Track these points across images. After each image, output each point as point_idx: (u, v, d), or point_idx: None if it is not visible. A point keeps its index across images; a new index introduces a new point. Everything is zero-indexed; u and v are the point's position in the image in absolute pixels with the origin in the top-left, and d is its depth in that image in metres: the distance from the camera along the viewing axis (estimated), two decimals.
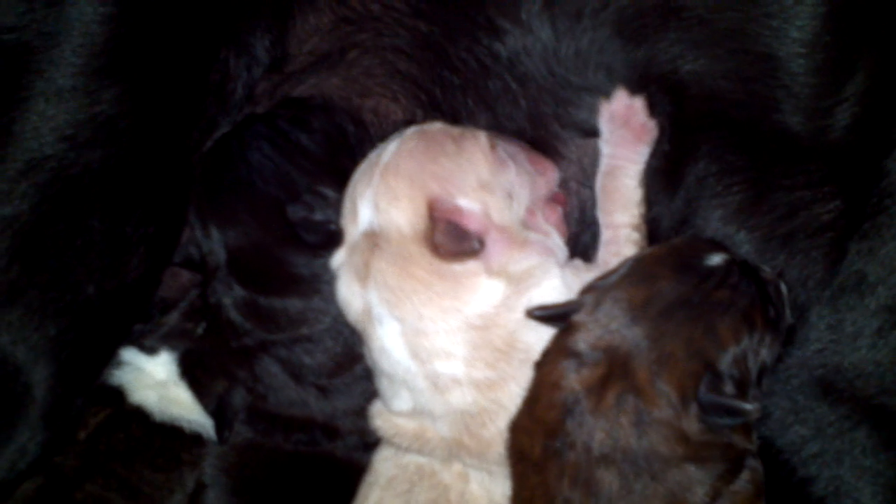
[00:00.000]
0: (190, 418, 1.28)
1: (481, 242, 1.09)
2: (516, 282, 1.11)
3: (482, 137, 1.16)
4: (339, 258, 1.15)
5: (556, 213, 1.22)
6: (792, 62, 1.18)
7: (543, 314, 1.07)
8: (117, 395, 1.27)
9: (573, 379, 1.01)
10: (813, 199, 1.18)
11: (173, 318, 1.31)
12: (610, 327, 1.02)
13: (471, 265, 1.09)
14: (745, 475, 1.03)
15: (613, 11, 1.21)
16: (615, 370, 1.00)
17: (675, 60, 1.22)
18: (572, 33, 1.24)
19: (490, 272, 1.10)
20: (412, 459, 1.14)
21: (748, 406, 0.98)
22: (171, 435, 1.27)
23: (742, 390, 1.01)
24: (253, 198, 1.21)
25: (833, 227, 1.17)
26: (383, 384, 1.15)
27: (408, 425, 1.13)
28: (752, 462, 1.04)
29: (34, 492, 1.20)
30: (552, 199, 1.22)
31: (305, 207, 1.19)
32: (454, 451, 1.11)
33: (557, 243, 1.18)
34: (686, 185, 1.23)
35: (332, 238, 1.16)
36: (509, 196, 1.14)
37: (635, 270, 1.06)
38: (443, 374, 1.09)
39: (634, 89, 1.24)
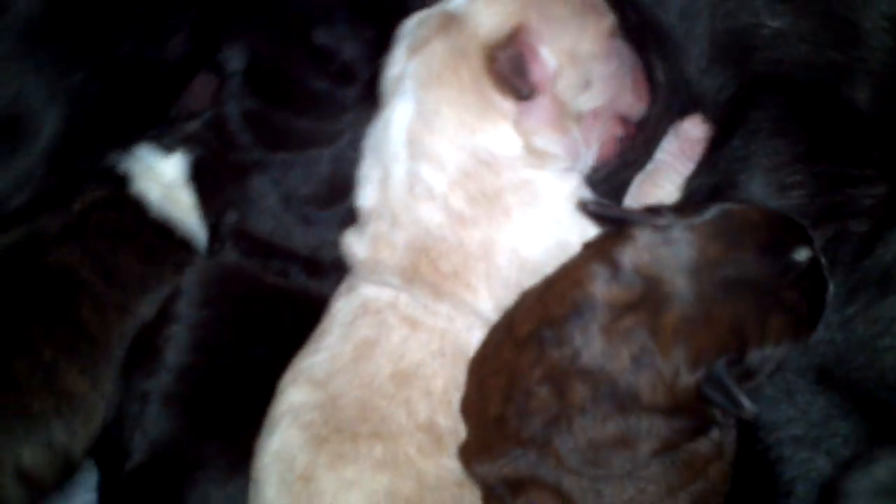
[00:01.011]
0: (185, 223, 1.28)
1: (531, 95, 1.07)
2: (530, 153, 1.09)
3: (609, 20, 1.15)
4: (409, 24, 1.14)
5: (614, 137, 1.20)
6: (874, 36, 1.14)
7: (600, 211, 1.02)
8: (121, 181, 1.27)
9: (599, 288, 0.97)
10: (859, 178, 1.14)
11: (196, 124, 1.31)
12: (665, 261, 0.97)
13: (508, 106, 1.07)
14: (711, 436, 1.02)
15: None
16: (646, 303, 0.96)
17: (758, 13, 1.19)
18: None
19: (517, 127, 1.08)
20: (362, 294, 1.12)
21: (748, 406, 0.93)
22: (162, 233, 1.26)
23: (745, 381, 0.98)
24: (284, 11, 1.20)
25: (872, 213, 1.13)
26: (363, 169, 1.13)
27: (367, 248, 1.11)
28: (719, 432, 1.03)
29: (13, 244, 1.20)
30: (621, 123, 1.20)
31: (333, 36, 1.18)
32: (408, 276, 1.09)
33: (588, 159, 1.16)
34: (735, 139, 1.20)
35: (349, 73, 1.16)
36: (587, 84, 1.12)
37: (721, 222, 0.99)
38: (424, 180, 1.07)
39: (708, 41, 1.22)
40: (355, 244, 1.13)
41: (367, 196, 1.12)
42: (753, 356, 0.97)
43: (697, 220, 0.99)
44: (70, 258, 1.20)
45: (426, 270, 1.08)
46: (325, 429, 1.06)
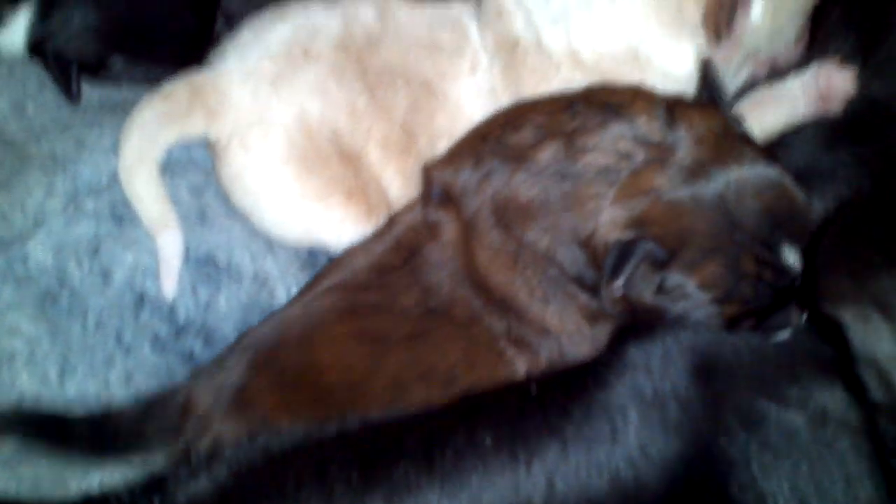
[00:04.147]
0: None
1: (724, 39, 1.13)
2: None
3: None
4: None
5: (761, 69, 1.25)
6: None
7: (712, 77, 1.08)
8: None
9: (648, 119, 1.01)
10: None
11: None
12: (704, 147, 0.99)
13: (699, 36, 1.13)
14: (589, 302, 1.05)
15: None
16: (659, 152, 0.99)
17: None
18: None
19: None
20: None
21: (615, 288, 0.97)
22: None
23: (647, 289, 0.99)
24: None
25: None
26: None
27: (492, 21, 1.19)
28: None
29: None
30: (766, 66, 1.25)
31: None
32: (501, 49, 1.18)
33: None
34: None
35: None
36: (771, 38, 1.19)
37: (771, 175, 1.00)
38: (568, 31, 1.14)
39: None
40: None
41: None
42: (675, 277, 0.97)
43: (760, 164, 1.00)
44: None
45: (515, 59, 1.16)
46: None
